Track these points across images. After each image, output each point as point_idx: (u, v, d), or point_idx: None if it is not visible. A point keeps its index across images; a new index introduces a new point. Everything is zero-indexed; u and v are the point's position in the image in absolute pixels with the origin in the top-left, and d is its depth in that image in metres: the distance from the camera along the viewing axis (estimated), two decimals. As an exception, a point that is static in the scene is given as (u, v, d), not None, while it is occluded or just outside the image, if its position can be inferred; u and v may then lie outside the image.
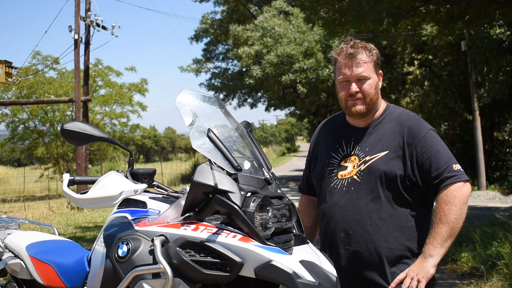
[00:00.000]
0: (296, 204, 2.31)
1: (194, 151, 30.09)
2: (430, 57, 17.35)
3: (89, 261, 2.40)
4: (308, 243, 2.15)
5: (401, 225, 2.43)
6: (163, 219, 2.14)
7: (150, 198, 2.36)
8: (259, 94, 28.32)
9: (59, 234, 3.09)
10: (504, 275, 5.48)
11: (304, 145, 76.05)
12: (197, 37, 29.05)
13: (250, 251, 1.92)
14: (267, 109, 29.67)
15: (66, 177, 2.44)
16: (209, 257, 1.96)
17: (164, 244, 2.01)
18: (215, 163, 2.08)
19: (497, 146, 17.75)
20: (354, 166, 2.50)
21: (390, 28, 11.35)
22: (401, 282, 2.35)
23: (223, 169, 2.08)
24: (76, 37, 16.05)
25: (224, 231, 1.99)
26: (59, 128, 19.32)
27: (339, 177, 2.53)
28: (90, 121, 19.72)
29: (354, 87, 2.45)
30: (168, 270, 1.94)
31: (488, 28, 12.15)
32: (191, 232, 2.01)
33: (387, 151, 2.45)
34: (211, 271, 1.95)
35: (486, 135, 16.72)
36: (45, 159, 22.96)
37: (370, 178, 2.44)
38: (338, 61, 2.50)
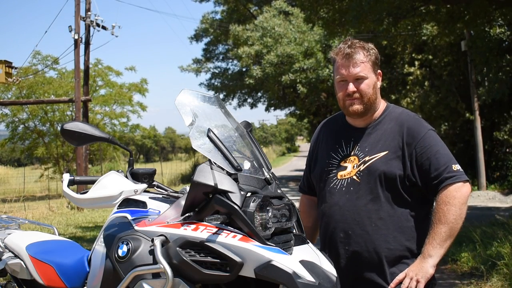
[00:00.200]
0: (296, 204, 2.31)
1: (194, 151, 30.09)
2: (430, 57, 17.36)
3: (89, 261, 2.40)
4: (308, 243, 2.15)
5: (401, 225, 2.43)
6: (163, 219, 2.14)
7: (150, 198, 2.36)
8: (259, 94, 28.32)
9: (59, 234, 3.09)
10: (504, 275, 5.48)
11: (304, 145, 76.06)
12: (197, 37, 29.06)
13: (250, 251, 1.92)
14: (267, 109, 29.67)
15: (66, 177, 2.44)
16: (209, 257, 1.96)
17: (164, 244, 2.01)
18: (215, 163, 2.08)
19: (497, 146, 17.75)
20: (353, 166, 2.50)
21: (390, 28, 11.35)
22: (400, 282, 2.35)
23: (223, 169, 2.08)
24: (76, 37, 16.05)
25: (224, 231, 1.98)
26: (59, 128, 19.32)
27: (339, 177, 2.53)
28: (90, 121, 19.72)
29: (351, 87, 2.45)
30: (168, 270, 1.94)
31: (488, 28, 12.15)
32: (191, 232, 2.01)
33: (387, 151, 2.45)
34: (211, 271, 1.95)
35: (486, 135, 16.72)
36: (45, 159, 22.96)
37: (369, 178, 2.44)
38: (336, 61, 2.51)
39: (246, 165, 2.18)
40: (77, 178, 2.49)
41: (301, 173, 2.99)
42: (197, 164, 10.22)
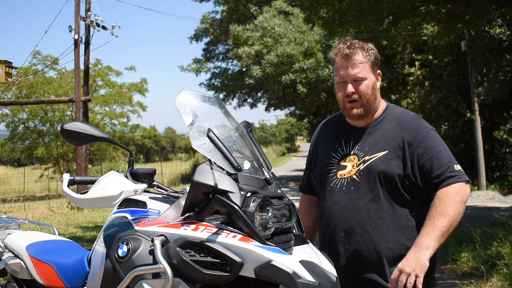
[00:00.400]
0: (296, 204, 2.31)
1: (194, 151, 30.09)
2: (430, 57, 17.35)
3: (89, 261, 2.40)
4: (308, 243, 2.15)
5: (401, 224, 2.43)
6: (163, 219, 2.14)
7: (150, 198, 2.36)
8: (259, 94, 28.31)
9: (59, 234, 3.09)
10: (504, 275, 5.48)
11: (304, 145, 76.05)
12: (197, 37, 29.05)
13: (250, 251, 1.92)
14: (267, 109, 29.67)
15: (66, 177, 2.44)
16: (209, 257, 1.96)
17: (164, 244, 2.01)
18: (215, 163, 2.08)
19: (497, 146, 17.75)
20: (353, 166, 2.50)
21: (390, 28, 11.35)
22: (397, 280, 2.30)
23: (223, 169, 2.08)
24: (76, 37, 16.05)
25: (224, 231, 1.98)
26: (59, 128, 19.33)
27: (339, 176, 2.53)
28: (90, 121, 19.72)
29: (350, 88, 2.45)
30: (168, 270, 1.94)
31: (488, 28, 12.15)
32: (191, 232, 2.01)
33: (387, 151, 2.45)
34: (211, 271, 1.95)
35: (486, 135, 16.71)
36: (45, 159, 22.96)
37: (369, 178, 2.44)
38: (335, 62, 2.51)
39: (246, 165, 2.18)
40: (77, 178, 2.49)
41: (301, 173, 2.99)
42: (197, 164, 10.22)
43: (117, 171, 2.42)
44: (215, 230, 1.98)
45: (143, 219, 2.21)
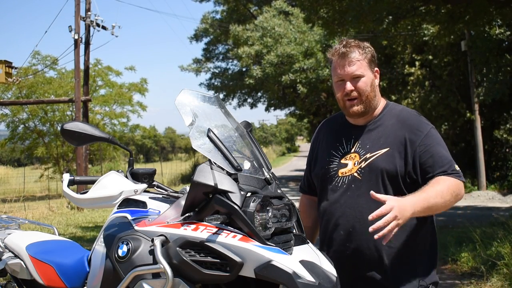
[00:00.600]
0: (296, 204, 2.31)
1: (194, 151, 30.09)
2: (430, 57, 17.36)
3: (89, 261, 2.40)
4: (308, 243, 2.15)
5: (402, 223, 2.42)
6: (163, 219, 2.14)
7: (150, 198, 2.36)
8: (259, 94, 28.32)
9: (59, 234, 3.09)
10: (504, 275, 5.48)
11: (304, 145, 76.05)
12: (197, 37, 29.05)
13: (250, 251, 1.92)
14: (267, 109, 29.67)
15: (66, 177, 2.43)
16: (209, 257, 1.96)
17: (164, 244, 2.01)
18: (215, 163, 2.07)
19: (497, 146, 17.75)
20: (354, 164, 2.49)
21: (390, 28, 11.35)
22: (383, 215, 2.13)
23: (223, 169, 2.08)
24: (76, 37, 16.05)
25: (224, 231, 1.98)
26: (59, 128, 19.32)
27: (340, 174, 2.52)
28: (90, 121, 19.72)
29: (349, 86, 2.45)
30: (168, 270, 1.94)
31: (488, 28, 12.15)
32: (191, 232, 2.01)
33: (388, 148, 2.45)
34: (211, 271, 1.95)
35: (486, 135, 16.72)
36: (45, 159, 22.96)
37: (371, 176, 2.44)
38: (332, 62, 2.51)
39: (246, 165, 2.18)
40: (77, 178, 2.49)
41: (301, 173, 3.00)
42: (197, 164, 10.22)
43: (117, 171, 2.42)
44: (215, 230, 1.98)
45: (143, 219, 2.21)
